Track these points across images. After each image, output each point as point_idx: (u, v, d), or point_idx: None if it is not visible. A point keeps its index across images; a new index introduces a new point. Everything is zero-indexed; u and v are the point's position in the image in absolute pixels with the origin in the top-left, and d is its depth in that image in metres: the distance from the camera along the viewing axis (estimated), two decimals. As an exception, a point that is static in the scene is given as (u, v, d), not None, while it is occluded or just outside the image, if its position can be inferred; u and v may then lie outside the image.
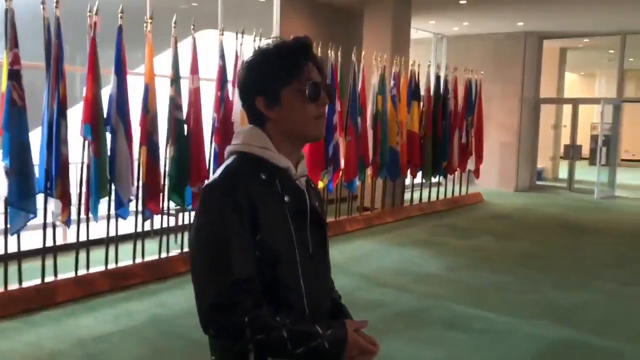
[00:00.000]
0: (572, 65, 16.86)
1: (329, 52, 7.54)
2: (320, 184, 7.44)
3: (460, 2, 9.74)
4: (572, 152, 13.33)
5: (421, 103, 9.24)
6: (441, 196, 10.36)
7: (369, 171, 8.35)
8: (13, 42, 4.47)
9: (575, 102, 13.65)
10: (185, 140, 5.70)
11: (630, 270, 6.46)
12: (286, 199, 1.37)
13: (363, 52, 8.37)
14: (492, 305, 5.03)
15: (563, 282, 5.88)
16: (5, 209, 4.56)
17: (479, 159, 10.76)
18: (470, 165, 10.57)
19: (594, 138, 17.00)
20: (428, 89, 9.42)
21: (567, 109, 14.28)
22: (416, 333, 4.42)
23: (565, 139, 14.38)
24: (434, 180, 10.04)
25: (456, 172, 10.32)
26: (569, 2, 9.83)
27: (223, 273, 1.28)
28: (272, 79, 1.40)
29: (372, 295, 5.22)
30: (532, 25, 12.00)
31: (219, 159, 6.06)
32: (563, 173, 14.41)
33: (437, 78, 9.64)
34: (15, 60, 4.46)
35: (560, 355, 4.13)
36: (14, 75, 4.45)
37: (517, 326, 4.56)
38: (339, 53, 7.65)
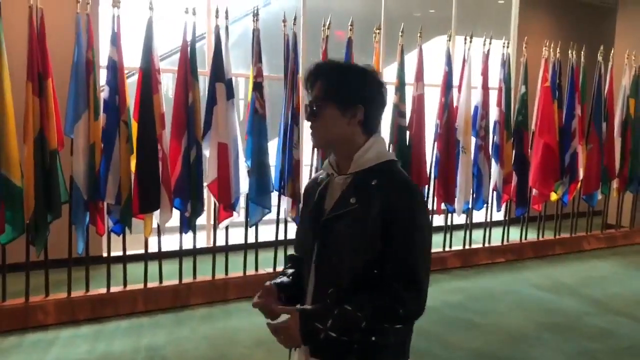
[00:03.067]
0: None
1: (570, 52, 6.93)
2: (554, 196, 6.88)
3: None
4: None
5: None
6: None
7: (614, 184, 7.45)
8: (258, 58, 5.07)
9: None
10: (407, 146, 5.80)
11: None
12: (317, 194, 1.72)
13: (612, 51, 7.49)
14: None
15: None
16: (247, 204, 5.22)
17: None
18: None
19: None
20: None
21: None
22: (650, 373, 3.83)
23: None
24: None
25: None
26: None
27: None
28: None
29: (602, 323, 4.64)
30: None
31: (439, 165, 6.04)
32: None
33: None
34: (258, 74, 5.06)
35: None
36: (257, 87, 5.07)
37: None
38: (582, 53, 6.98)
